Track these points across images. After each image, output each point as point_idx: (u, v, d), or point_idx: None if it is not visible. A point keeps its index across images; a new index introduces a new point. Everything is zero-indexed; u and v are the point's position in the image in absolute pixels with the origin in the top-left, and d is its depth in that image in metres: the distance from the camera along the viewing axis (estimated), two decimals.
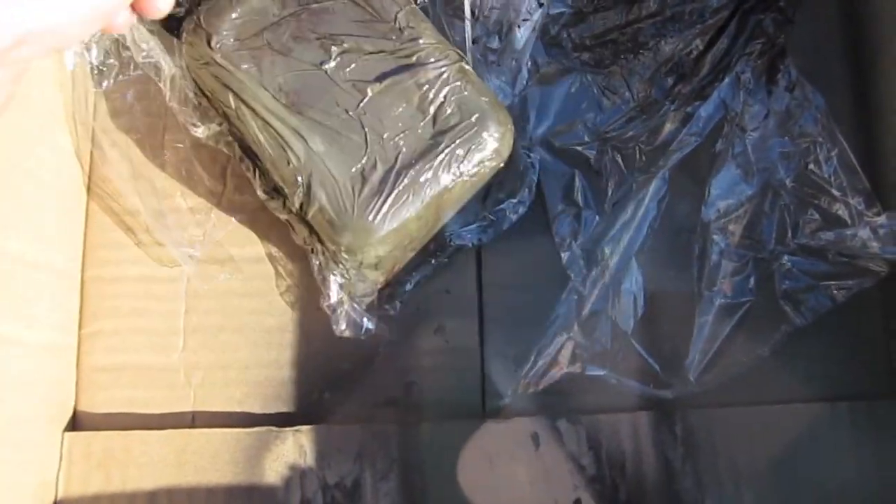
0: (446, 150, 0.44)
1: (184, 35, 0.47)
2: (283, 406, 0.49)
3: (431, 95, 0.45)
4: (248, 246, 0.51)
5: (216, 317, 0.50)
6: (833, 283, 0.47)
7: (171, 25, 0.47)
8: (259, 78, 0.45)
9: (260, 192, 0.47)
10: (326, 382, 0.49)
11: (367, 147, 0.44)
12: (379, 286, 0.47)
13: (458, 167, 0.44)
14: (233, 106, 0.45)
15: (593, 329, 0.47)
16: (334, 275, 0.45)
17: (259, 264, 0.51)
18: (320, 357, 0.49)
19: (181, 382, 0.49)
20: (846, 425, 0.46)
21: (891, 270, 0.46)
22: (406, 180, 0.43)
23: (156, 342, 0.50)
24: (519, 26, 0.50)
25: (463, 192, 0.45)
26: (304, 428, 0.46)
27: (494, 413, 0.48)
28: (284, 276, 0.51)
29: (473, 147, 0.44)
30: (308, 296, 0.50)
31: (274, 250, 0.51)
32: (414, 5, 0.48)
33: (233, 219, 0.52)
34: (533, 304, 0.49)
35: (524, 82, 0.51)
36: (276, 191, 0.46)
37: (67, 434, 0.47)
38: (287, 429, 0.46)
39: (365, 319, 0.46)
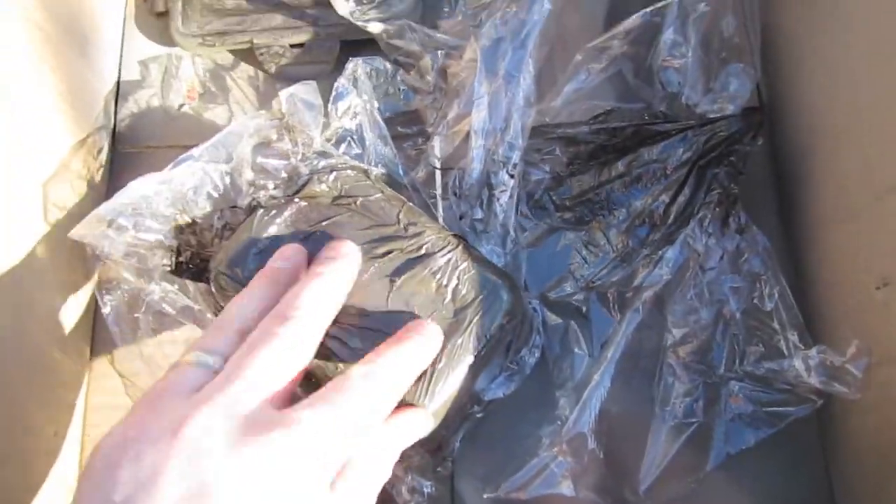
0: (470, 325, 0.49)
1: (212, 275, 0.51)
2: None
3: (445, 280, 0.50)
4: None
5: None
6: (775, 409, 0.56)
7: (191, 272, 0.53)
8: None
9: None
10: None
11: None
12: (431, 452, 0.52)
13: (483, 335, 0.49)
14: None
15: (575, 449, 0.55)
16: None
17: None
18: None
19: None
20: None
21: (826, 399, 0.55)
22: (443, 359, 0.48)
23: None
24: (497, 198, 0.57)
25: (490, 355, 0.51)
26: None
27: None
28: None
29: (491, 315, 0.50)
30: None
31: None
32: (409, 203, 0.53)
33: None
34: (504, 426, 0.57)
35: (513, 242, 0.58)
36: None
37: None
38: None
39: (426, 485, 0.52)
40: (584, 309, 0.60)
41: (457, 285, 0.50)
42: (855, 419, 0.55)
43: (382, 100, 0.60)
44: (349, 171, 0.54)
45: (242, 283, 0.49)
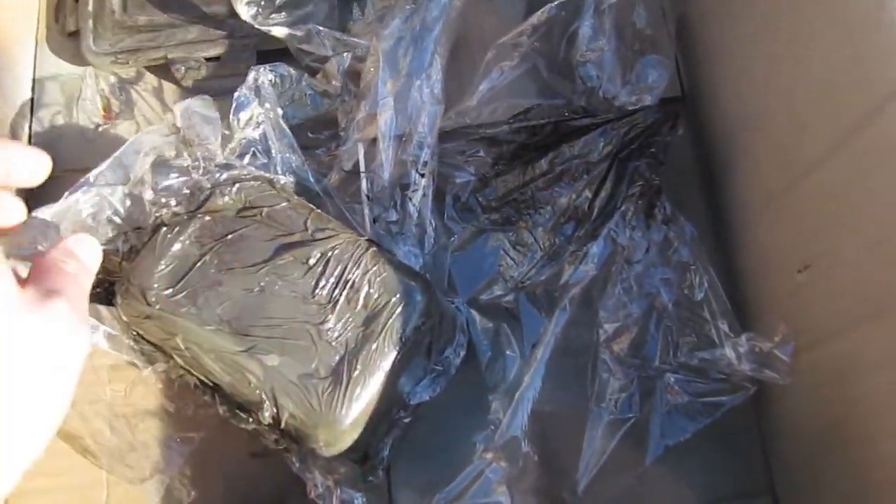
0: (384, 329, 0.49)
1: (118, 298, 0.50)
2: None
3: (357, 285, 0.50)
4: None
5: None
6: (710, 399, 0.56)
7: (100, 296, 0.52)
8: (199, 316, 0.49)
9: (221, 412, 0.51)
10: None
11: (315, 347, 0.48)
12: (359, 462, 0.52)
13: (399, 338, 0.49)
14: (182, 347, 0.49)
15: (510, 454, 0.54)
16: (316, 466, 0.50)
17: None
18: None
19: None
20: None
21: (759, 385, 0.55)
22: (358, 366, 0.48)
23: None
24: (410, 198, 0.56)
25: (409, 357, 0.51)
26: None
27: None
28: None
29: (405, 317, 0.50)
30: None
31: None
32: (317, 210, 0.53)
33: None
34: (440, 434, 0.56)
35: (432, 241, 0.57)
36: (239, 408, 0.50)
37: None
38: None
39: (357, 497, 0.51)
40: (515, 310, 0.59)
41: (369, 291, 0.50)
42: (788, 404, 0.55)
43: (289, 106, 0.59)
44: (253, 182, 0.53)
45: (150, 306, 0.49)
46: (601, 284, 0.58)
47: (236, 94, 0.56)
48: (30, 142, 0.65)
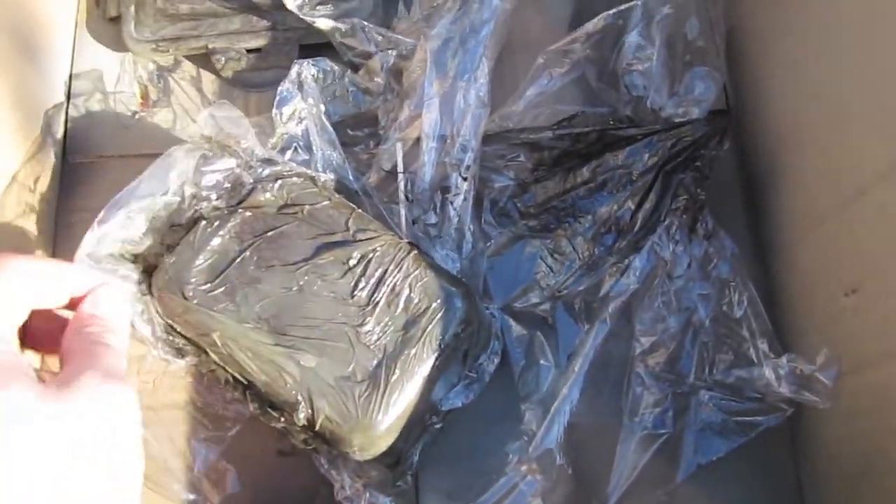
0: (424, 334, 0.49)
1: (155, 291, 0.49)
2: None
3: (398, 289, 0.49)
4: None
5: None
6: (745, 418, 0.55)
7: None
8: (237, 313, 0.48)
9: (252, 409, 0.51)
10: None
11: (352, 349, 0.48)
12: (390, 466, 0.51)
13: (438, 344, 0.49)
14: (218, 344, 0.48)
15: (544, 466, 0.53)
16: (345, 468, 0.50)
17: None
18: None
19: None
20: None
21: (796, 408, 0.54)
22: (397, 371, 0.48)
23: None
24: (451, 202, 0.55)
25: (447, 364, 0.50)
26: None
27: None
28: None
29: (445, 324, 0.49)
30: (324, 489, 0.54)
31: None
32: (359, 210, 0.52)
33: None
34: (468, 440, 0.55)
35: (469, 246, 0.56)
36: (272, 407, 0.49)
37: None
38: None
39: (385, 501, 0.51)
40: (550, 319, 0.58)
41: (409, 294, 0.50)
42: (826, 428, 0.54)
43: (331, 102, 0.58)
44: (295, 179, 0.53)
45: (187, 300, 0.48)
46: (640, 297, 0.57)
47: (280, 88, 0.55)
48: (66, 128, 0.65)
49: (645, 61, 0.59)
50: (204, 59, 0.65)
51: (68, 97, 0.66)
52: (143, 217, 0.50)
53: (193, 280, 0.49)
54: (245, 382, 0.49)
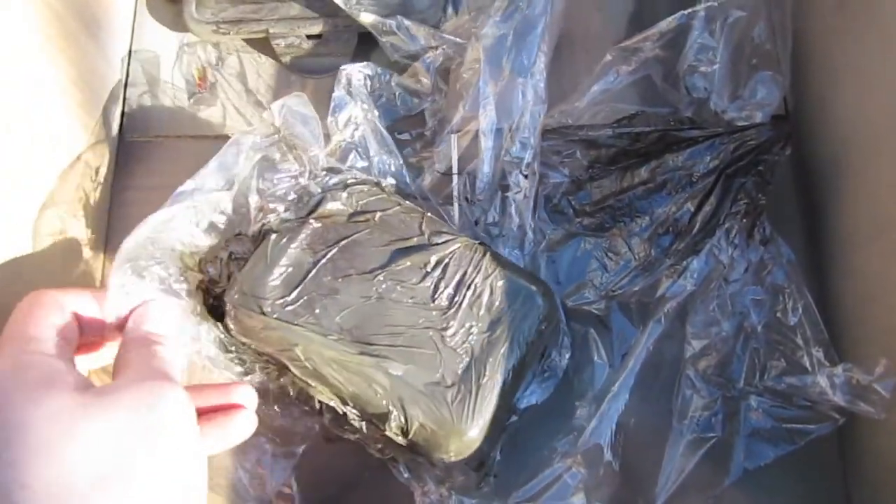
0: (508, 333, 0.48)
1: (229, 309, 0.48)
2: None
3: (479, 290, 0.49)
4: None
5: None
6: (795, 426, 0.55)
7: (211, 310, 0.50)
8: (318, 326, 0.47)
9: (328, 422, 0.50)
10: None
11: (439, 354, 0.47)
12: (475, 469, 0.49)
13: (523, 342, 0.49)
14: (302, 358, 0.47)
15: (590, 461, 0.53)
16: (430, 475, 0.49)
17: None
18: None
19: None
20: None
21: (848, 417, 0.53)
22: (486, 372, 0.47)
23: None
24: (513, 199, 0.55)
25: (530, 362, 0.50)
26: None
27: None
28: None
29: (530, 322, 0.49)
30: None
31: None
32: (428, 214, 0.52)
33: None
34: (520, 437, 0.55)
35: (531, 244, 0.56)
36: (363, 419, 0.48)
37: None
38: None
39: None
40: (605, 318, 0.58)
41: (490, 295, 0.49)
42: (878, 440, 0.54)
43: (379, 106, 0.58)
44: (362, 186, 0.52)
45: (265, 316, 0.47)
46: (695, 300, 0.57)
47: (334, 95, 0.55)
48: (123, 105, 0.65)
49: (707, 63, 0.58)
50: (263, 43, 0.65)
51: (127, 75, 0.66)
52: (208, 211, 0.49)
53: (270, 295, 0.48)
54: (333, 396, 0.48)
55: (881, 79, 0.52)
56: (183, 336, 0.47)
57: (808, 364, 0.55)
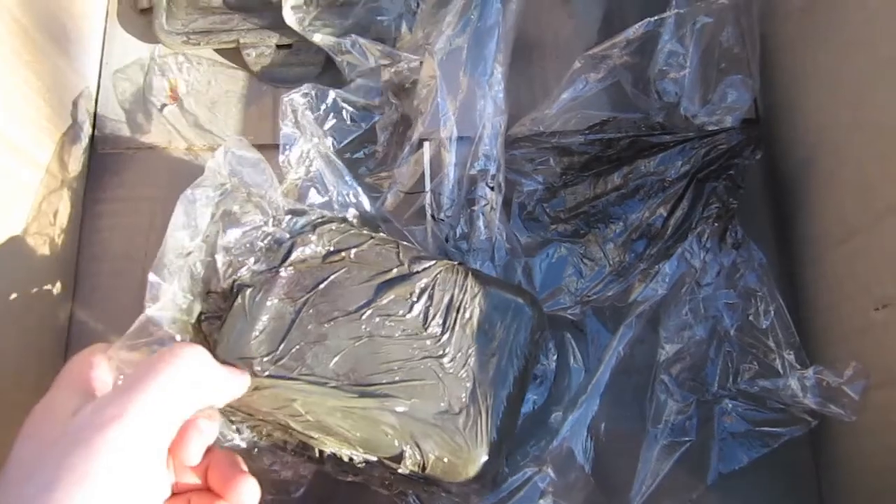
0: (505, 348, 0.48)
1: None
2: None
3: (468, 311, 0.48)
4: None
5: None
6: (769, 429, 0.55)
7: None
8: (314, 376, 0.45)
9: (331, 470, 0.48)
10: None
11: (441, 383, 0.46)
12: (487, 485, 0.48)
13: (521, 354, 0.48)
14: (302, 412, 0.45)
15: (561, 465, 0.53)
16: (440, 499, 0.48)
17: None
18: None
19: None
20: None
21: (821, 420, 0.54)
22: (491, 392, 0.46)
23: None
24: (482, 212, 0.55)
25: (531, 369, 0.50)
26: None
27: None
28: None
29: (522, 334, 0.48)
30: None
31: None
32: (402, 242, 0.50)
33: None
34: None
35: (503, 252, 0.56)
36: (355, 465, 0.46)
37: None
38: None
39: None
40: (581, 323, 0.58)
41: (480, 313, 0.48)
42: (850, 442, 0.54)
43: (329, 129, 0.57)
44: (330, 224, 0.50)
45: (255, 376, 0.45)
46: (668, 304, 0.57)
47: (282, 133, 0.53)
48: (94, 118, 0.65)
49: (678, 68, 0.58)
50: (234, 54, 0.65)
51: (98, 88, 0.66)
52: (186, 276, 0.46)
53: (257, 353, 0.46)
54: (336, 447, 0.46)
55: (846, 83, 0.53)
56: None
57: (779, 367, 0.55)
